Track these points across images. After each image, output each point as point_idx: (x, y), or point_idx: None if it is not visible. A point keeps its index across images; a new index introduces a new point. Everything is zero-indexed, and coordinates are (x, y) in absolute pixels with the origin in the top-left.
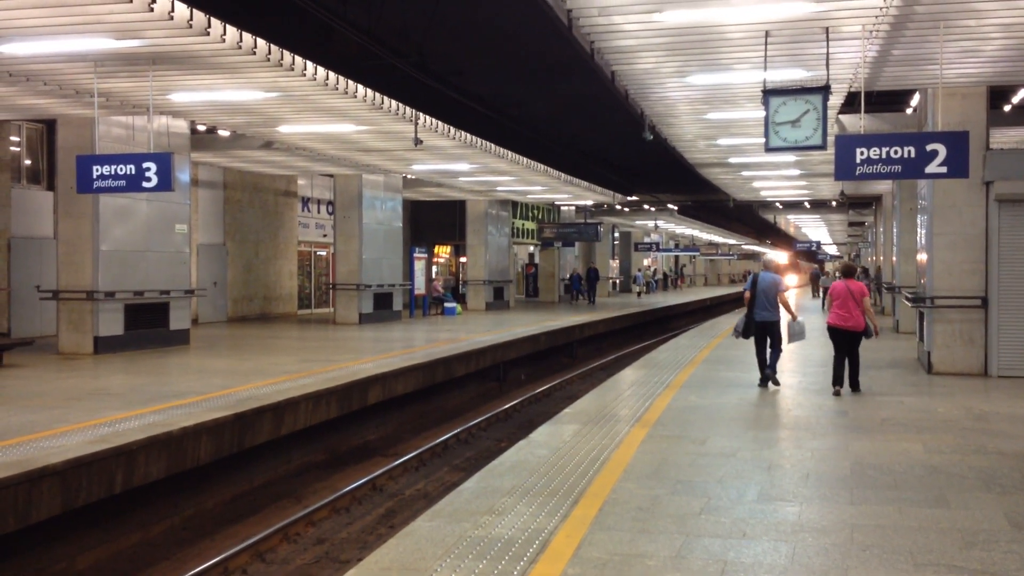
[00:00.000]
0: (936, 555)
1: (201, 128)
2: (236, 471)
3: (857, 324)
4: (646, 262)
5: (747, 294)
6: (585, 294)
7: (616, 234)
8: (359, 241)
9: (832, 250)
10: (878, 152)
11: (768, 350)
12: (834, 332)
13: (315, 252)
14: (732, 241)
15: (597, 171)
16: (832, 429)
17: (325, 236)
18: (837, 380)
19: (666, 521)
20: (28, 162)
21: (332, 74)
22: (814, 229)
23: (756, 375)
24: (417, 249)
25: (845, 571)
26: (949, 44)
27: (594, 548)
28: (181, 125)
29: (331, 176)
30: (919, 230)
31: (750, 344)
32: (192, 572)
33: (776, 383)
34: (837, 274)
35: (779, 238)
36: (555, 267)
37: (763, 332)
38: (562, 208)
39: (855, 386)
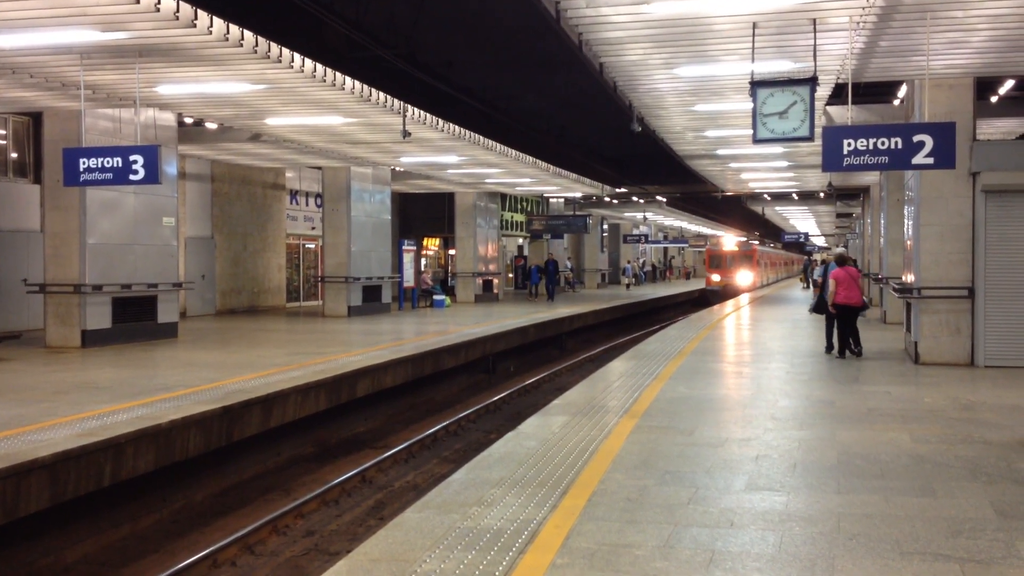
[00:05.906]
0: (923, 544)
1: (188, 121)
2: (225, 464)
3: (858, 300)
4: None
5: (819, 279)
6: (548, 288)
7: (605, 226)
8: (347, 234)
9: (820, 241)
10: (865, 143)
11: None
12: (842, 308)
13: (303, 245)
14: (721, 233)
15: (586, 163)
16: (819, 419)
17: (313, 229)
18: (830, 347)
19: (654, 511)
20: (14, 155)
21: (320, 66)
22: (802, 220)
23: (745, 367)
24: (406, 241)
25: (832, 560)
26: (936, 35)
27: (583, 538)
28: (168, 118)
29: (319, 169)
30: (906, 221)
31: (738, 336)
32: (181, 565)
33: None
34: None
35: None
36: (544, 259)
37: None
38: (551, 200)
39: (859, 352)
